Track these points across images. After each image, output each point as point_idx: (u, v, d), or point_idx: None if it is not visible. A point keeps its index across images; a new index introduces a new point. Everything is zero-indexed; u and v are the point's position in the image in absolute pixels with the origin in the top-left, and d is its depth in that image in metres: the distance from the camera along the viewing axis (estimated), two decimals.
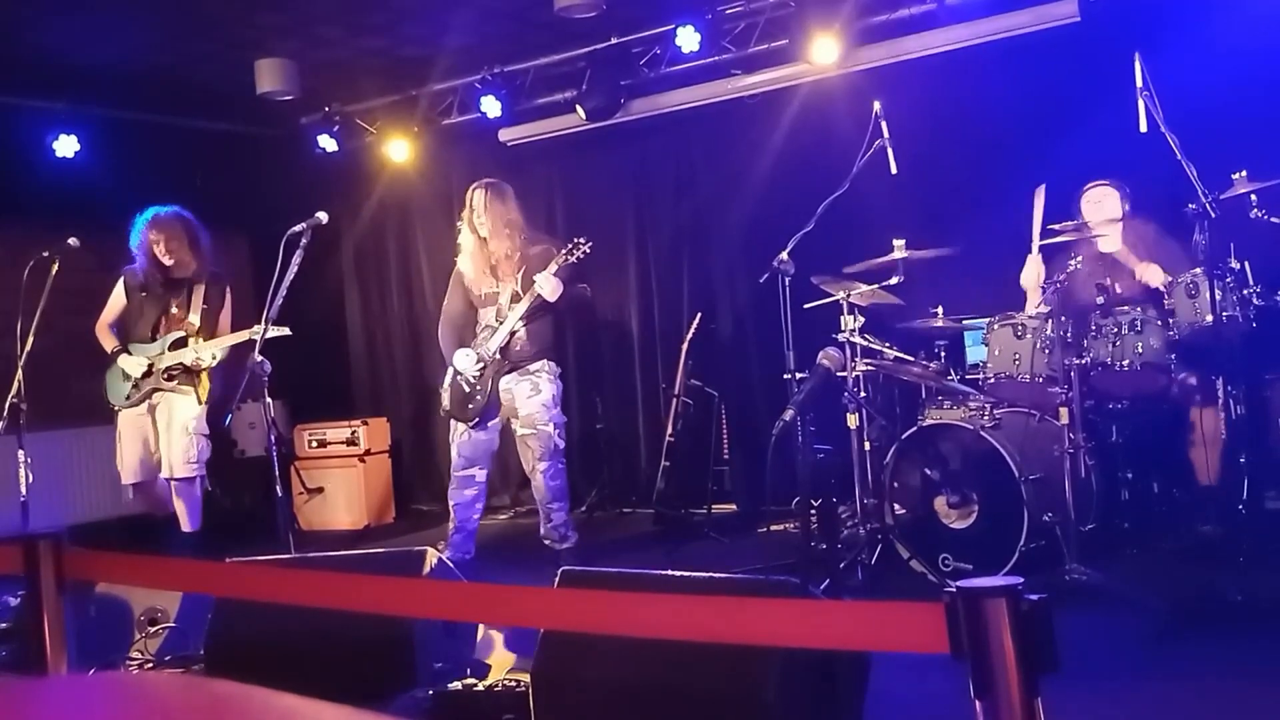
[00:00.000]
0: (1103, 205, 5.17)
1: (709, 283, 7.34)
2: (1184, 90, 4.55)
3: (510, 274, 5.57)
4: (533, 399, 5.52)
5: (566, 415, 7.37)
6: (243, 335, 5.62)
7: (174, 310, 5.86)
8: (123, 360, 5.82)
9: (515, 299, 5.50)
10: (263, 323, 4.78)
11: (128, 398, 5.82)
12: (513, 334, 5.50)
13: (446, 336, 5.77)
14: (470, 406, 5.54)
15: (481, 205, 5.56)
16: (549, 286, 5.39)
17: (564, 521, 5.71)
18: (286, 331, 5.41)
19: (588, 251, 5.48)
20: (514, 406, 5.56)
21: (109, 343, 5.91)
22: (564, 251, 5.46)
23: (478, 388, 5.52)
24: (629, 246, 7.68)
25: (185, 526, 5.76)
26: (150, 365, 5.78)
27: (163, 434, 5.76)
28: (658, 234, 7.59)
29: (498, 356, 5.51)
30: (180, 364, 5.75)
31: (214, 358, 5.83)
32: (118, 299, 5.98)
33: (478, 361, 5.51)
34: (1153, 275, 4.98)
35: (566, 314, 5.64)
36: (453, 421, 5.67)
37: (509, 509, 7.68)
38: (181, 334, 5.81)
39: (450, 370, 5.63)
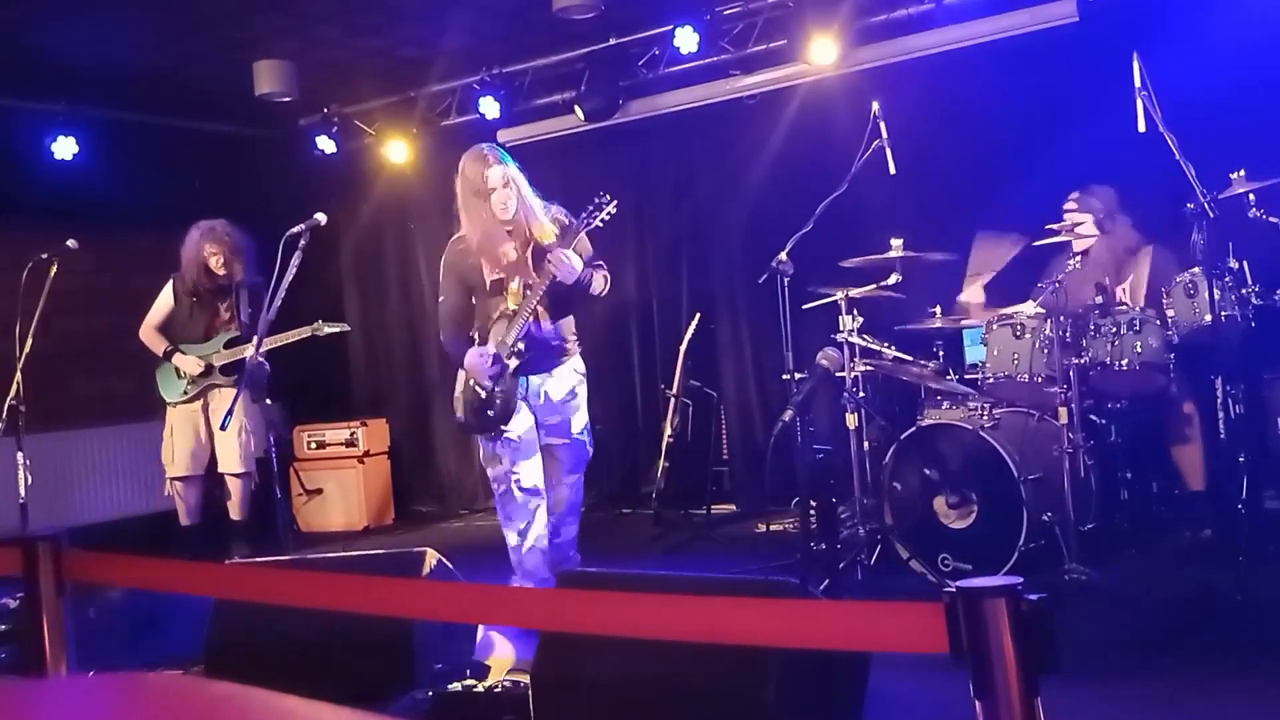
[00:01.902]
0: (1075, 226, 5.13)
1: (708, 283, 7.34)
2: (1182, 90, 4.54)
3: (519, 256, 4.68)
4: (567, 404, 4.75)
5: None
6: (304, 332, 5.87)
7: (223, 314, 6.17)
8: (178, 359, 6.10)
9: (528, 286, 4.60)
10: (261, 324, 4.80)
11: (184, 393, 6.11)
12: (535, 323, 4.62)
13: (452, 336, 4.82)
14: (490, 413, 4.63)
15: (501, 180, 4.58)
16: (564, 268, 4.49)
17: (573, 539, 4.94)
18: (345, 327, 5.56)
19: (613, 212, 4.61)
20: (543, 409, 4.73)
21: (159, 344, 6.16)
22: (585, 215, 4.57)
23: (497, 390, 4.61)
24: (628, 247, 7.66)
25: (235, 515, 6.20)
26: (207, 364, 6.07)
27: (216, 430, 6.04)
28: (657, 234, 7.58)
29: (520, 349, 4.59)
30: (237, 361, 5.96)
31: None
32: (165, 302, 6.22)
33: (494, 362, 4.58)
34: (1134, 294, 4.98)
35: (577, 302, 4.83)
36: (479, 438, 4.79)
37: None
38: (235, 334, 6.10)
39: (461, 375, 4.76)
